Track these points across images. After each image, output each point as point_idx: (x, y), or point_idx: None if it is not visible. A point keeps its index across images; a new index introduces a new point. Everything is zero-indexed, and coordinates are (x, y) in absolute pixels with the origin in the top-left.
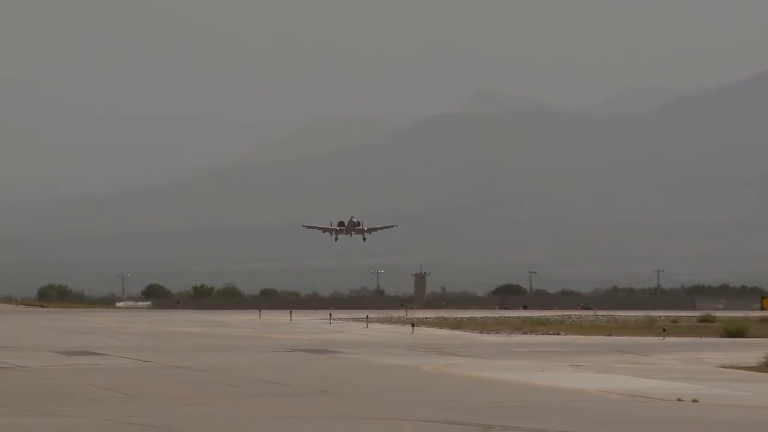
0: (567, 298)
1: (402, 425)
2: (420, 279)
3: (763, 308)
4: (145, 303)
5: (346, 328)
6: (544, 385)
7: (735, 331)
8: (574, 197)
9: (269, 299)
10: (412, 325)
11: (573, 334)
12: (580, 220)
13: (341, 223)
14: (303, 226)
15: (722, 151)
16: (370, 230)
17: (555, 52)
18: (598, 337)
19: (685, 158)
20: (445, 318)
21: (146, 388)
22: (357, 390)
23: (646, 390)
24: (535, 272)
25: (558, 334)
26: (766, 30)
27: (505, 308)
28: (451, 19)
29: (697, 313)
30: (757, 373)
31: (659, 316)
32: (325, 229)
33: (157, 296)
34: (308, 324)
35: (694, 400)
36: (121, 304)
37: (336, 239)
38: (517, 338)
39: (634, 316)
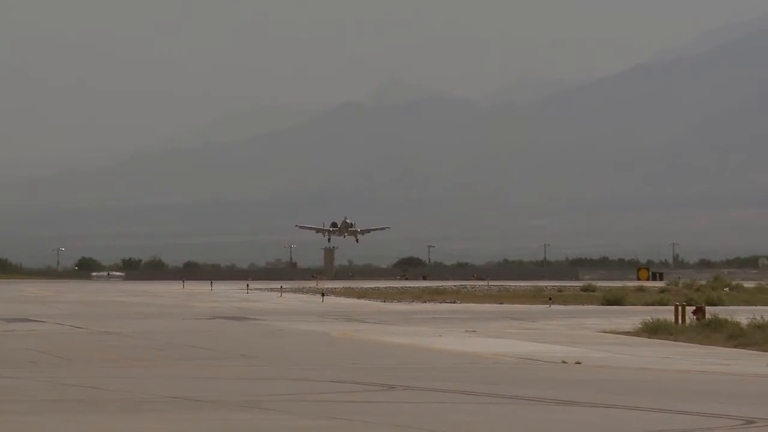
0: (462, 270)
1: (313, 384)
2: (329, 253)
3: (638, 278)
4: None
5: (262, 297)
6: (442, 349)
7: (613, 299)
8: (468, 180)
9: (192, 271)
10: (322, 294)
11: (468, 303)
12: (474, 199)
13: (334, 224)
14: (297, 226)
15: (606, 136)
16: (363, 231)
17: (453, 44)
18: (490, 305)
19: (570, 142)
20: (352, 288)
21: (80, 351)
22: (272, 353)
23: (534, 353)
24: (434, 246)
25: (454, 302)
26: (642, 23)
27: (406, 279)
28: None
29: (580, 284)
30: (633, 337)
31: (546, 286)
32: (318, 230)
33: (89, 268)
34: (227, 293)
35: (578, 362)
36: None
37: (329, 240)
38: (417, 306)
39: (524, 286)
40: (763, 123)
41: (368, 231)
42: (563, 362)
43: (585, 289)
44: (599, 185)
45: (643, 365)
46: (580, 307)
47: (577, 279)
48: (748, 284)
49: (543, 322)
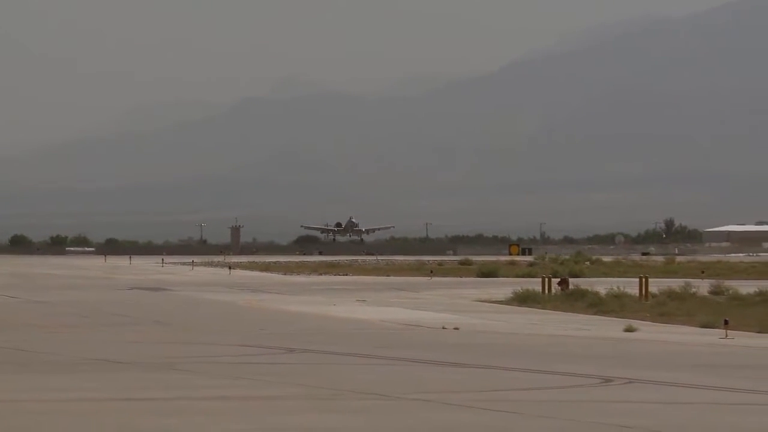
0: (354, 246)
1: (222, 348)
2: (235, 231)
3: (510, 254)
4: (90, 249)
5: (176, 270)
6: (336, 316)
7: (488, 272)
8: (358, 166)
9: (113, 247)
10: (229, 268)
11: (359, 275)
12: (363, 184)
13: (338, 224)
14: (302, 226)
15: (487, 127)
16: (368, 231)
17: (347, 42)
18: (378, 277)
19: (454, 133)
20: (256, 262)
21: (11, 319)
22: (185, 320)
23: (417, 320)
24: (328, 225)
25: (347, 275)
26: (522, 22)
27: (304, 254)
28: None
29: (458, 258)
30: (506, 305)
31: (428, 260)
32: (322, 230)
33: (20, 244)
34: (145, 267)
35: (456, 328)
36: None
37: (333, 239)
38: (314, 279)
39: (408, 260)
40: (618, 119)
41: (372, 230)
42: (443, 328)
43: (462, 263)
44: (478, 171)
45: (515, 330)
46: (458, 279)
47: (456, 254)
48: (606, 259)
49: (425, 293)
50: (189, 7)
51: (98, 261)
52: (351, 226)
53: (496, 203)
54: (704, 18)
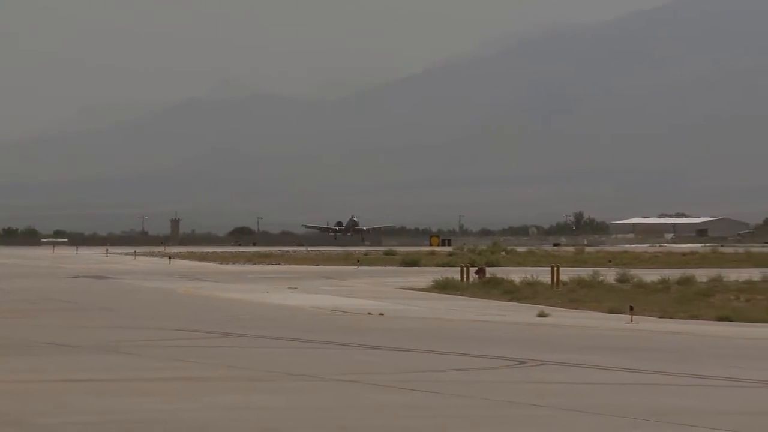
0: (286, 238)
1: (162, 332)
2: (175, 223)
3: (431, 244)
4: (62, 240)
5: (119, 260)
6: (270, 303)
7: (411, 261)
8: (286, 162)
9: (60, 238)
10: (169, 258)
11: (290, 265)
12: (293, 179)
13: (339, 223)
14: (303, 225)
15: (410, 126)
16: (369, 230)
17: (280, 45)
18: (309, 266)
19: (382, 132)
20: (194, 252)
21: None
22: (129, 306)
23: (345, 306)
24: (262, 218)
25: (279, 264)
26: (445, 27)
27: (239, 245)
28: (205, 15)
29: (383, 248)
30: (427, 292)
31: (354, 250)
32: (323, 229)
33: None
34: (90, 257)
35: (381, 313)
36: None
37: (335, 238)
38: (249, 268)
39: (336, 250)
40: (533, 119)
41: (374, 229)
42: (369, 313)
43: (387, 253)
44: (401, 167)
45: (435, 316)
46: (383, 268)
47: (381, 245)
48: (521, 249)
49: (352, 281)
50: (133, 7)
51: (47, 251)
52: (352, 225)
53: (418, 197)
54: (613, 25)
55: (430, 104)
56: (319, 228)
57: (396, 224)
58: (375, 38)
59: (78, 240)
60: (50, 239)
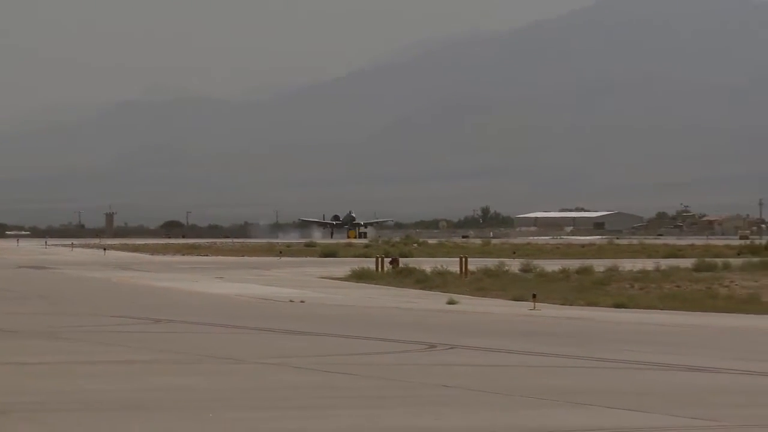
0: (214, 231)
1: (98, 319)
2: (109, 217)
3: (348, 237)
4: (25, 233)
5: (57, 251)
6: (198, 291)
7: (330, 253)
8: (214, 159)
9: (1, 231)
10: (104, 249)
11: (217, 256)
12: (220, 176)
13: (336, 218)
14: (300, 219)
15: (331, 127)
16: (366, 224)
17: (208, 49)
18: (234, 257)
19: (306, 134)
20: (127, 244)
21: None
22: (66, 294)
23: (268, 294)
24: (191, 212)
25: (207, 255)
26: (367, 34)
27: (170, 237)
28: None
29: (305, 240)
30: (345, 281)
31: (277, 243)
32: (320, 224)
33: None
34: (30, 248)
35: (302, 301)
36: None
37: (332, 234)
38: (178, 258)
39: (260, 242)
40: (444, 121)
41: (371, 224)
42: (291, 301)
43: (308, 245)
44: (324, 166)
45: (352, 303)
46: (304, 258)
47: (303, 237)
48: (432, 241)
49: (275, 271)
50: (71, 17)
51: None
52: (349, 220)
53: (337, 193)
54: (525, 31)
55: (353, 106)
56: (317, 222)
57: (318, 218)
58: (303, 41)
59: (19, 233)
60: (14, 232)
